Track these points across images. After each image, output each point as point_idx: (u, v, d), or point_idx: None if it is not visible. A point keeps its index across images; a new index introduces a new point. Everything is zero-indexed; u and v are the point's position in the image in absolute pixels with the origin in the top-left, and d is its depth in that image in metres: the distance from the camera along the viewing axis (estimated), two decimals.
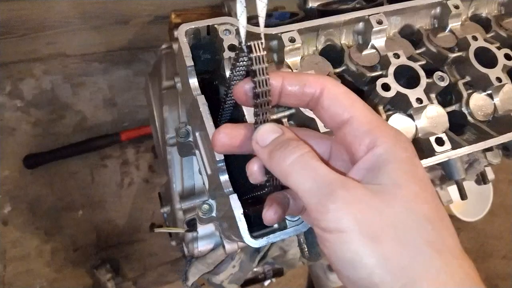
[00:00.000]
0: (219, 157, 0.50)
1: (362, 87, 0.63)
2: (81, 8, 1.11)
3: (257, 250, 0.89)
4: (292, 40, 0.57)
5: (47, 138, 1.50)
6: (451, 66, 0.67)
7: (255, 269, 1.13)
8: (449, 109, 0.63)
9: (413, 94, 0.58)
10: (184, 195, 0.82)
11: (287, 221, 0.50)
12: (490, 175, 0.92)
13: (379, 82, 0.58)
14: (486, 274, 2.00)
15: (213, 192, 0.60)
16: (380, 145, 0.34)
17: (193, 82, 0.55)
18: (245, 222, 0.47)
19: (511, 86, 0.64)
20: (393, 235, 0.31)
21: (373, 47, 0.63)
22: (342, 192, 0.32)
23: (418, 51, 0.66)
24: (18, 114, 1.49)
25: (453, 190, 1.05)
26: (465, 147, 0.56)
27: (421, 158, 0.55)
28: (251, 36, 0.37)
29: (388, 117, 0.60)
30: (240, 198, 0.48)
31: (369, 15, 0.61)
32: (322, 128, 0.54)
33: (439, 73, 0.61)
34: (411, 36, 0.69)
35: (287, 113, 0.59)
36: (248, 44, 0.36)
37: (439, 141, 0.57)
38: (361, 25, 0.63)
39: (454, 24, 0.67)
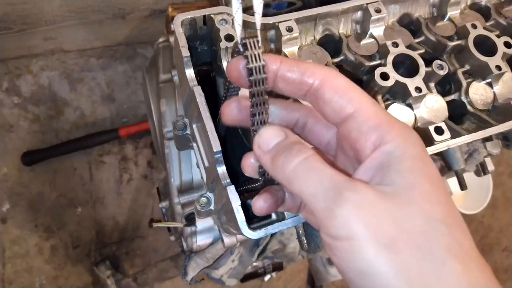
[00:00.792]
0: (217, 148, 0.49)
1: (360, 76, 0.62)
2: (80, 2, 1.10)
3: (256, 244, 0.88)
4: (290, 30, 0.57)
5: (46, 135, 1.49)
6: (450, 55, 0.66)
7: (254, 264, 1.13)
8: (448, 98, 0.62)
9: (412, 83, 0.57)
10: (182, 189, 0.81)
11: (285, 212, 0.50)
12: (490, 166, 0.91)
13: (378, 71, 0.57)
14: None
15: (211, 184, 0.59)
16: (388, 142, 0.32)
17: (190, 72, 0.54)
18: (243, 214, 0.47)
19: (511, 74, 0.63)
20: (410, 242, 0.29)
21: (372, 36, 0.62)
22: (350, 195, 0.30)
23: (417, 40, 0.65)
24: (16, 110, 1.48)
25: (452, 182, 1.05)
26: (465, 136, 0.56)
27: None
28: (248, 27, 0.36)
29: (387, 106, 0.59)
30: (237, 190, 0.48)
31: (367, 4, 0.60)
32: None
33: (438, 61, 0.60)
34: (410, 25, 0.68)
35: None
36: (244, 42, 0.35)
37: (439, 130, 0.56)
38: (359, 14, 0.62)
39: (453, 13, 0.66)
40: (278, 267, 1.09)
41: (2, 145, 1.47)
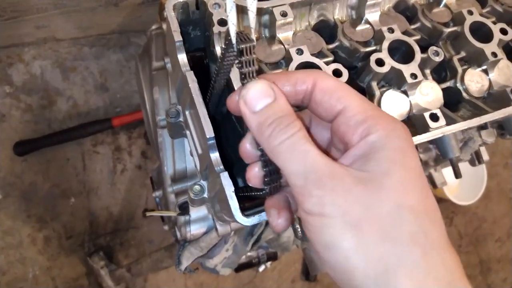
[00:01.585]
0: (209, 134, 0.49)
1: (355, 63, 0.61)
2: None
3: (251, 233, 0.88)
4: (284, 14, 0.56)
5: (38, 125, 1.48)
6: (446, 42, 0.65)
7: (249, 254, 1.12)
8: (444, 85, 0.62)
9: (407, 70, 0.57)
10: (176, 178, 0.81)
11: None
12: (485, 156, 0.91)
13: (373, 57, 0.57)
14: (480, 257, 2.01)
15: (204, 172, 0.58)
16: (373, 133, 0.34)
17: (182, 58, 0.53)
18: (236, 201, 0.46)
19: (506, 61, 0.62)
20: (375, 225, 0.31)
21: (367, 22, 0.61)
22: (328, 181, 0.33)
23: (412, 27, 0.65)
24: (8, 100, 1.46)
25: (447, 172, 1.05)
26: (460, 123, 0.55)
27: (415, 134, 0.55)
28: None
29: (382, 93, 0.58)
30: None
31: None
32: None
33: (434, 47, 0.60)
34: (405, 11, 0.67)
35: None
36: (240, 47, 0.35)
37: (434, 117, 0.56)
38: None
39: None
40: (272, 257, 1.09)
41: None
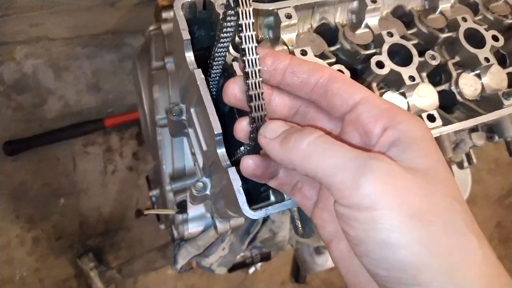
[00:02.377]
0: (218, 130, 0.50)
1: (355, 65, 0.63)
2: None
3: (247, 232, 0.89)
4: (289, 16, 0.57)
5: (29, 124, 1.46)
6: (441, 47, 0.68)
7: (242, 254, 1.13)
8: (439, 88, 0.64)
9: (406, 72, 0.59)
10: (174, 176, 0.81)
11: (285, 194, 0.50)
12: (474, 158, 0.94)
13: (374, 60, 0.59)
14: None
15: (208, 168, 0.59)
16: (402, 123, 0.33)
17: (190, 56, 0.54)
18: (244, 195, 0.47)
19: (498, 66, 0.65)
20: (437, 216, 0.29)
21: (367, 26, 0.63)
22: (376, 164, 0.30)
23: (409, 32, 0.67)
24: None
25: None
26: (456, 124, 0.58)
27: None
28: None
29: (381, 94, 0.60)
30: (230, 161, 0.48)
31: None
32: None
33: (431, 52, 0.62)
34: (402, 17, 0.69)
35: None
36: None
37: (431, 118, 0.58)
38: (355, 3, 0.64)
39: (444, 6, 0.68)
40: (265, 257, 1.10)
41: None
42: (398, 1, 0.68)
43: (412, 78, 0.59)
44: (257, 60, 0.37)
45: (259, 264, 1.64)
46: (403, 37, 0.64)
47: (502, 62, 0.69)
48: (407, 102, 0.60)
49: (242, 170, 0.42)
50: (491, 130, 0.79)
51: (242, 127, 0.41)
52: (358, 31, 0.64)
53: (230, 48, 0.57)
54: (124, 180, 1.59)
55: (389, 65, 0.59)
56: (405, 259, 0.28)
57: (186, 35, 0.54)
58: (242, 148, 0.45)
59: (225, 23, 0.41)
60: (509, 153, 0.77)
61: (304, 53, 0.57)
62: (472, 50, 0.64)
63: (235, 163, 0.48)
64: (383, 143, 0.33)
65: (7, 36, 1.37)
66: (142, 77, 0.94)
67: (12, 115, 1.45)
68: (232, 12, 0.38)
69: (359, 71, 0.63)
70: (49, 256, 1.48)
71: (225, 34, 0.44)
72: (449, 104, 0.65)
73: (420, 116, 0.58)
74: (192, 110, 0.61)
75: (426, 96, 0.61)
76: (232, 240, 0.88)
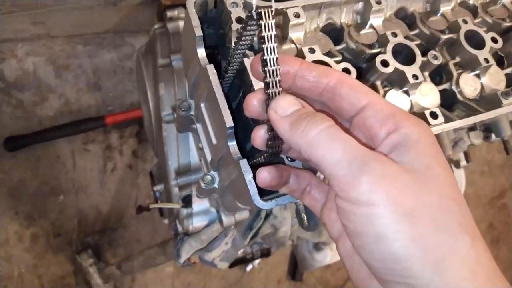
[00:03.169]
0: (229, 123, 0.51)
1: (360, 64, 0.65)
2: None
3: (250, 227, 0.91)
4: (297, 15, 0.59)
5: (29, 121, 1.47)
6: (442, 48, 0.70)
7: (243, 249, 1.15)
8: (440, 87, 0.67)
9: (409, 71, 0.61)
10: (180, 171, 0.83)
11: None
12: (463, 162, 0.97)
13: (379, 59, 0.61)
14: None
15: (217, 162, 0.61)
16: (405, 127, 0.35)
17: (201, 52, 0.56)
18: (255, 186, 0.49)
19: (496, 67, 0.68)
20: (427, 214, 0.31)
21: (371, 26, 0.66)
22: (376, 165, 0.32)
23: (412, 33, 0.69)
24: None
25: None
26: (457, 121, 0.60)
27: None
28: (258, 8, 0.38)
29: (385, 92, 0.63)
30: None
31: None
32: None
33: (433, 52, 0.64)
34: (405, 18, 0.72)
35: None
36: (259, 10, 0.37)
37: (433, 115, 0.60)
38: (360, 4, 0.66)
39: (445, 8, 0.71)
40: (266, 253, 1.11)
41: None
42: (401, 3, 0.71)
43: (415, 76, 0.61)
44: (277, 70, 0.38)
45: (256, 262, 1.65)
46: (406, 37, 0.67)
47: (500, 63, 0.71)
48: (410, 100, 0.63)
49: (259, 181, 0.43)
50: (489, 129, 0.82)
51: (260, 135, 0.42)
52: (363, 31, 0.66)
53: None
54: (123, 178, 1.60)
55: (394, 64, 0.61)
56: (397, 252, 0.31)
57: (198, 32, 0.55)
58: (259, 154, 0.47)
59: (245, 32, 0.42)
60: (506, 152, 0.79)
61: (312, 51, 0.59)
62: (472, 51, 0.66)
63: (253, 167, 0.50)
64: (386, 146, 0.35)
65: (9, 33, 1.38)
66: (147, 75, 0.95)
67: (12, 112, 1.45)
68: (253, 22, 0.39)
69: (364, 70, 0.65)
70: (47, 253, 1.48)
71: (243, 42, 0.46)
72: (449, 103, 0.67)
73: (423, 114, 0.60)
74: (202, 105, 0.62)
75: (428, 94, 0.63)
76: (235, 235, 0.90)
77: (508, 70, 0.71)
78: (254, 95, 0.41)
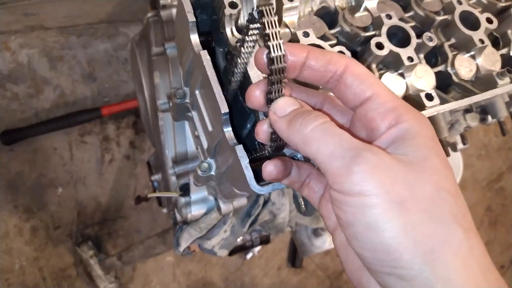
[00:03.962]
0: (224, 109, 0.51)
1: (355, 47, 0.65)
2: None
3: (248, 214, 0.91)
4: None
5: (25, 114, 1.46)
6: (437, 29, 0.70)
7: (242, 237, 1.16)
8: (436, 69, 0.67)
9: (404, 53, 0.61)
10: (177, 160, 0.83)
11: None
12: (460, 145, 0.97)
13: (373, 41, 0.60)
14: None
15: (214, 149, 0.61)
16: (406, 121, 0.35)
17: (195, 38, 0.55)
18: (251, 171, 0.49)
19: (492, 48, 0.67)
20: (420, 205, 0.31)
21: (366, 9, 0.65)
22: (369, 155, 0.32)
23: (407, 15, 0.69)
24: None
25: None
26: (453, 102, 0.60)
27: None
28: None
29: (380, 75, 0.62)
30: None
31: None
32: None
33: (428, 33, 0.64)
34: (399, 1, 0.71)
35: None
36: (260, 9, 0.36)
37: (429, 97, 0.60)
38: None
39: None
40: (265, 240, 1.12)
41: None
42: None
43: (410, 58, 0.61)
44: (284, 68, 0.37)
45: (256, 249, 1.66)
46: (400, 19, 0.66)
47: (496, 44, 0.71)
48: (405, 82, 0.62)
49: (265, 175, 0.43)
50: (485, 111, 0.82)
51: (263, 129, 0.42)
52: (357, 14, 0.65)
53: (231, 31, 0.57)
54: (121, 169, 1.60)
55: (389, 46, 0.61)
56: (388, 242, 0.30)
57: (191, 17, 0.55)
58: (262, 148, 0.47)
59: (247, 38, 0.42)
60: (502, 133, 0.79)
61: (306, 35, 0.59)
62: (467, 32, 0.66)
63: (253, 160, 0.50)
64: (385, 139, 0.36)
65: (1, 26, 1.36)
66: (142, 64, 0.94)
67: (7, 105, 1.44)
68: (255, 25, 0.39)
69: (359, 53, 0.65)
70: (47, 245, 1.49)
71: (247, 50, 0.45)
72: (445, 85, 0.67)
73: (418, 96, 0.60)
74: (197, 92, 0.62)
75: (423, 76, 0.63)
76: (234, 222, 0.90)
77: (503, 51, 0.71)
78: (256, 86, 0.41)
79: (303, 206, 0.63)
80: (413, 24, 0.66)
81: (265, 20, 0.36)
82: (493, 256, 0.43)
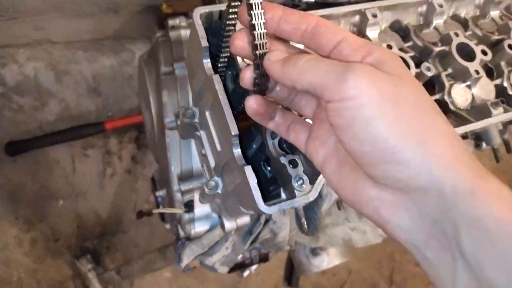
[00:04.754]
0: (234, 131, 0.54)
1: None
2: None
3: (250, 232, 0.93)
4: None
5: (29, 126, 1.48)
6: (435, 60, 0.74)
7: (242, 254, 1.17)
8: (433, 97, 0.70)
9: None
10: (182, 177, 0.85)
11: (295, 191, 0.55)
12: None
13: None
14: None
15: (221, 168, 0.63)
16: (377, 52, 0.39)
17: (207, 62, 0.59)
18: (259, 191, 0.51)
19: (487, 79, 0.71)
20: (408, 100, 0.35)
21: (368, 38, 0.69)
22: (359, 65, 0.36)
23: (406, 45, 0.73)
24: (0, 100, 1.46)
25: None
26: None
27: None
28: None
29: None
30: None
31: (365, 9, 0.67)
32: None
33: (426, 64, 0.68)
34: (399, 31, 0.75)
35: None
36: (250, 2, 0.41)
37: None
38: (357, 17, 0.69)
39: (438, 21, 0.74)
40: (264, 258, 1.14)
41: None
42: (395, 16, 0.74)
43: None
44: (263, 18, 0.42)
45: (254, 267, 1.67)
46: (400, 49, 0.70)
47: (490, 75, 0.75)
48: None
49: (248, 108, 0.47)
50: (479, 138, 0.85)
51: (248, 75, 0.46)
52: None
53: None
54: (122, 183, 1.62)
55: None
56: (385, 133, 0.34)
57: (204, 43, 0.58)
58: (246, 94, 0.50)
59: (230, 10, 0.47)
60: (496, 160, 0.82)
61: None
62: (464, 63, 0.70)
63: (237, 115, 0.54)
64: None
65: (11, 39, 1.40)
66: (150, 82, 0.97)
67: (13, 117, 1.47)
68: (236, 3, 0.44)
69: None
70: (46, 257, 1.49)
71: (230, 22, 0.50)
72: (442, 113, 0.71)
73: None
74: (207, 113, 0.65)
75: None
76: (235, 240, 0.92)
77: (497, 81, 0.75)
78: (240, 33, 0.46)
79: (305, 225, 0.65)
80: (412, 54, 0.70)
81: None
82: None
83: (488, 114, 0.68)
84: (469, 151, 0.36)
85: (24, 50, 1.46)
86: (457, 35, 0.72)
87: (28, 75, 1.48)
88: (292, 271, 1.74)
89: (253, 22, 0.42)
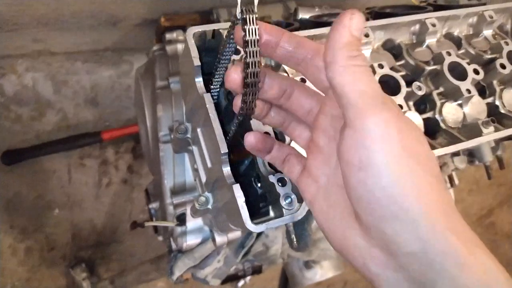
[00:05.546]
0: (224, 150, 0.54)
1: None
2: (76, 7, 1.12)
3: (242, 245, 0.93)
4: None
5: (27, 135, 1.49)
6: (427, 78, 0.74)
7: (235, 266, 1.17)
8: (424, 116, 0.71)
9: (394, 101, 0.65)
10: (175, 190, 0.85)
11: (283, 209, 0.55)
12: (456, 180, 1.01)
13: None
14: None
15: (212, 184, 0.64)
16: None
17: (199, 81, 0.59)
18: (247, 210, 0.52)
19: (478, 97, 0.72)
20: (424, 161, 0.34)
21: None
22: (392, 106, 0.35)
23: (398, 63, 0.73)
24: None
25: None
26: (439, 149, 0.64)
27: None
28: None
29: None
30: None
31: None
32: None
33: (417, 83, 0.68)
34: (392, 49, 0.76)
35: None
36: (244, 17, 0.39)
37: None
38: None
39: (430, 40, 0.75)
40: (257, 270, 1.13)
41: None
42: (388, 35, 0.75)
43: (400, 106, 0.65)
44: (257, 51, 0.40)
45: (248, 278, 1.67)
46: (392, 68, 0.71)
47: (482, 93, 0.76)
48: None
49: (247, 144, 0.48)
50: (472, 154, 0.86)
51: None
52: None
53: None
54: (118, 193, 1.62)
55: None
56: (397, 187, 0.33)
57: (197, 62, 0.59)
58: (233, 123, 0.51)
59: (230, 36, 0.46)
60: (488, 177, 0.83)
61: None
62: (455, 82, 0.70)
63: (230, 141, 0.54)
64: None
65: (10, 49, 1.41)
66: (146, 95, 0.98)
67: (10, 126, 1.47)
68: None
69: None
70: (41, 266, 1.49)
71: (228, 49, 0.49)
72: (433, 131, 0.71)
73: None
74: (198, 130, 0.65)
75: None
76: (227, 253, 0.92)
77: (489, 100, 0.75)
78: (234, 68, 0.43)
79: (295, 242, 0.65)
80: (404, 73, 0.70)
81: (247, 28, 0.39)
82: None
83: (479, 133, 0.69)
84: (461, 219, 0.35)
85: (23, 60, 1.47)
86: (449, 54, 0.73)
87: (26, 85, 1.49)
88: (286, 283, 1.73)
89: (247, 61, 0.40)
